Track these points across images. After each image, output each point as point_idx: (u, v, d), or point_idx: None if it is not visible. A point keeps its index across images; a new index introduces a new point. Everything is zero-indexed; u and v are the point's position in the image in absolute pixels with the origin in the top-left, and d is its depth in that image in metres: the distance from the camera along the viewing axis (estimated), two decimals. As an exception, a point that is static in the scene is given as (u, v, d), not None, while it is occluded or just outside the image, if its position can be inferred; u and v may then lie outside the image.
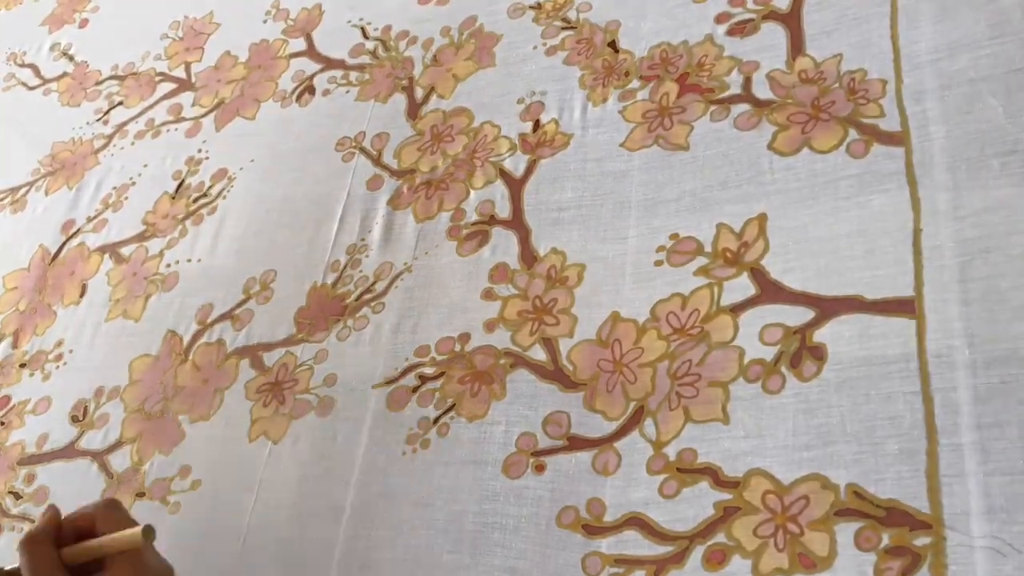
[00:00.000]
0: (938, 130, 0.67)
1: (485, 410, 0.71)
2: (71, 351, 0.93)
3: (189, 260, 0.93)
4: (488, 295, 0.77)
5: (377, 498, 0.72)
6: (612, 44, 0.85)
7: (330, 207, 0.89)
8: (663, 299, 0.70)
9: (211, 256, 0.92)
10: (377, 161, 0.90)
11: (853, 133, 0.70)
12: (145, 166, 1.04)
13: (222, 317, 0.87)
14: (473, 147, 0.86)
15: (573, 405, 0.69)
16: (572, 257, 0.75)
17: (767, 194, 0.71)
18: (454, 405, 0.73)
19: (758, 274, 0.68)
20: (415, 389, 0.75)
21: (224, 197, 0.96)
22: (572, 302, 0.73)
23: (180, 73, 1.11)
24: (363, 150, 0.91)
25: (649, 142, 0.78)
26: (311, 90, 0.99)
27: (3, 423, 0.92)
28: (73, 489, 0.84)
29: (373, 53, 0.98)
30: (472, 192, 0.83)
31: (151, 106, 1.09)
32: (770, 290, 0.67)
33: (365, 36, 1.00)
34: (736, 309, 0.67)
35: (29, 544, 0.56)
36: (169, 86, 1.10)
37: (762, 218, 0.70)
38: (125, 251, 0.98)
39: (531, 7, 0.92)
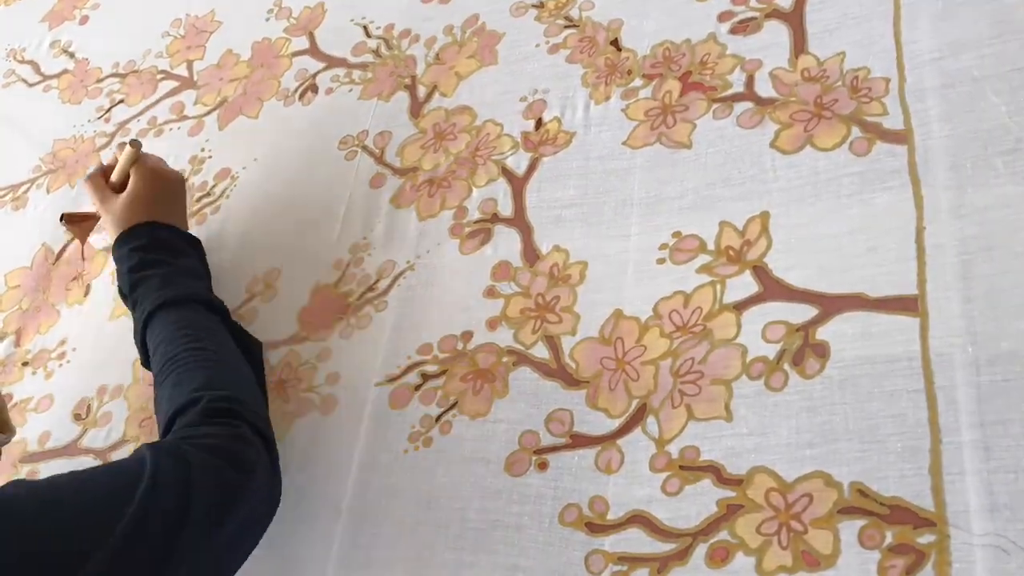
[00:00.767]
0: (941, 128, 0.67)
1: (487, 408, 0.72)
2: (74, 349, 0.94)
3: (191, 258, 0.93)
4: (490, 293, 0.77)
5: (379, 496, 0.72)
6: (615, 42, 0.85)
7: (333, 205, 0.89)
8: (666, 297, 0.70)
9: (215, 255, 0.92)
10: (380, 159, 0.90)
11: (856, 131, 0.70)
12: (147, 164, 1.04)
13: (225, 315, 0.87)
14: (475, 145, 0.86)
15: (576, 403, 0.69)
16: (575, 255, 0.75)
17: (770, 192, 0.71)
18: (456, 403, 0.73)
19: (761, 272, 0.68)
20: (417, 387, 0.75)
21: (227, 196, 0.96)
22: (575, 300, 0.73)
23: (182, 71, 1.11)
24: (366, 148, 0.91)
25: (652, 140, 0.78)
26: (314, 88, 0.99)
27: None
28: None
29: (376, 51, 0.98)
30: (475, 190, 0.83)
31: (153, 104, 1.09)
32: (773, 288, 0.67)
33: (368, 34, 1.00)
34: (739, 307, 0.67)
35: (90, 179, 0.88)
36: (171, 84, 1.10)
37: (765, 216, 0.70)
38: (127, 249, 0.98)
39: (534, 5, 0.92)
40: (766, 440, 0.61)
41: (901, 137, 0.68)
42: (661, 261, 0.72)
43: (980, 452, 0.56)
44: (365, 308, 0.81)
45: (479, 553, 0.66)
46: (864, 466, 0.58)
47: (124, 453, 0.83)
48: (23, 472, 0.88)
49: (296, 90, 1.00)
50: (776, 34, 0.78)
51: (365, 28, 1.01)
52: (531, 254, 0.77)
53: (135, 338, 0.80)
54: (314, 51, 1.03)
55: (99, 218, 0.89)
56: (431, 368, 0.75)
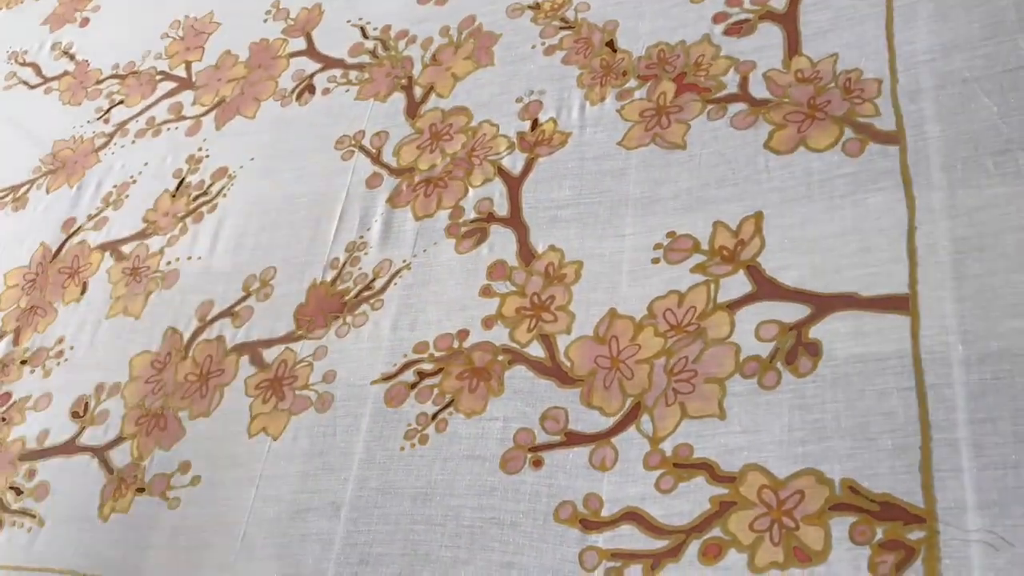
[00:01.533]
0: (933, 129, 0.68)
1: (483, 406, 0.72)
2: (72, 348, 0.94)
3: (189, 258, 0.94)
4: (486, 292, 0.77)
5: (375, 493, 0.72)
6: (610, 44, 0.86)
7: (329, 205, 0.89)
8: (660, 296, 0.70)
9: (211, 253, 0.92)
10: (376, 159, 0.90)
11: (849, 132, 0.70)
12: (146, 164, 1.04)
13: (222, 314, 0.88)
14: (472, 145, 0.86)
15: (570, 401, 0.69)
16: (570, 254, 0.76)
17: (763, 192, 0.71)
18: (452, 401, 0.73)
19: (754, 271, 0.68)
20: (413, 385, 0.75)
21: (224, 195, 0.97)
22: (570, 299, 0.74)
23: (181, 72, 1.11)
24: (362, 148, 0.92)
25: (646, 141, 0.78)
26: (311, 89, 1.00)
27: (4, 419, 0.92)
28: (74, 485, 0.84)
29: (372, 52, 0.99)
30: (471, 190, 0.83)
31: (152, 105, 1.10)
32: (766, 287, 0.67)
33: (365, 35, 1.01)
34: (732, 306, 0.67)
35: None
36: (170, 85, 1.11)
37: (758, 216, 0.70)
38: (126, 249, 0.98)
39: (530, 7, 0.92)
40: (759, 438, 0.62)
41: (893, 138, 0.69)
42: (655, 261, 0.72)
43: (970, 449, 0.56)
44: (362, 307, 0.82)
45: (474, 550, 0.67)
46: (855, 463, 0.59)
47: (122, 450, 0.84)
48: (22, 470, 0.88)
49: (293, 90, 1.01)
50: (770, 36, 0.78)
51: (362, 29, 1.01)
52: (527, 253, 0.78)
53: None
54: (311, 52, 1.03)
55: None
56: (427, 366, 0.76)
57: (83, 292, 0.97)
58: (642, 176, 0.77)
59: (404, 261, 0.82)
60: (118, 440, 0.85)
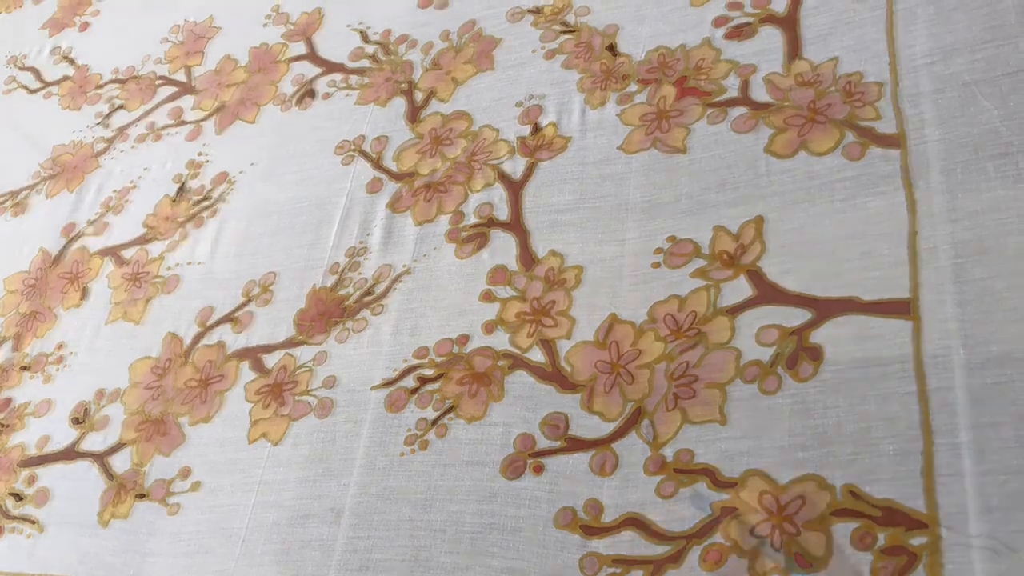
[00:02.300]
0: (933, 133, 0.68)
1: (484, 411, 0.72)
2: (72, 353, 0.94)
3: (190, 263, 0.94)
4: (487, 297, 0.77)
5: (376, 499, 0.72)
6: (611, 48, 0.85)
7: (330, 210, 0.89)
8: (661, 301, 0.70)
9: (211, 259, 0.92)
10: (377, 164, 0.90)
11: (850, 136, 0.70)
12: (146, 169, 1.04)
13: (222, 319, 0.88)
14: (472, 150, 0.86)
15: (571, 406, 0.69)
16: (571, 259, 0.76)
17: (764, 196, 0.71)
18: (453, 406, 0.73)
19: (755, 276, 0.68)
20: (414, 391, 0.75)
21: (225, 200, 0.97)
22: (570, 304, 0.74)
23: (181, 77, 1.11)
24: (363, 153, 0.92)
25: (647, 145, 0.78)
26: (311, 94, 1.00)
27: (5, 425, 0.92)
28: (74, 491, 0.84)
29: (373, 57, 0.99)
30: (471, 195, 0.83)
31: (152, 109, 1.10)
32: (767, 292, 0.67)
33: (365, 40, 1.01)
34: (733, 311, 0.67)
35: None
36: (170, 90, 1.11)
37: (759, 220, 0.70)
38: (126, 254, 0.98)
39: (530, 11, 0.92)
40: (760, 443, 0.62)
41: (894, 141, 0.69)
42: (656, 265, 0.72)
43: (973, 454, 0.56)
44: (362, 312, 0.82)
45: (475, 556, 0.66)
46: (857, 468, 0.58)
47: (122, 456, 0.84)
48: (22, 476, 0.88)
49: (294, 95, 1.01)
50: (770, 39, 0.78)
51: (363, 34, 1.01)
52: (527, 258, 0.77)
53: None
54: (312, 56, 1.03)
55: None
56: (428, 372, 0.76)
57: (83, 297, 0.97)
58: (643, 180, 0.77)
59: (405, 266, 0.82)
60: (118, 446, 0.85)
